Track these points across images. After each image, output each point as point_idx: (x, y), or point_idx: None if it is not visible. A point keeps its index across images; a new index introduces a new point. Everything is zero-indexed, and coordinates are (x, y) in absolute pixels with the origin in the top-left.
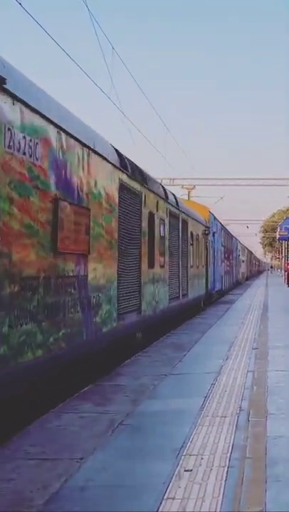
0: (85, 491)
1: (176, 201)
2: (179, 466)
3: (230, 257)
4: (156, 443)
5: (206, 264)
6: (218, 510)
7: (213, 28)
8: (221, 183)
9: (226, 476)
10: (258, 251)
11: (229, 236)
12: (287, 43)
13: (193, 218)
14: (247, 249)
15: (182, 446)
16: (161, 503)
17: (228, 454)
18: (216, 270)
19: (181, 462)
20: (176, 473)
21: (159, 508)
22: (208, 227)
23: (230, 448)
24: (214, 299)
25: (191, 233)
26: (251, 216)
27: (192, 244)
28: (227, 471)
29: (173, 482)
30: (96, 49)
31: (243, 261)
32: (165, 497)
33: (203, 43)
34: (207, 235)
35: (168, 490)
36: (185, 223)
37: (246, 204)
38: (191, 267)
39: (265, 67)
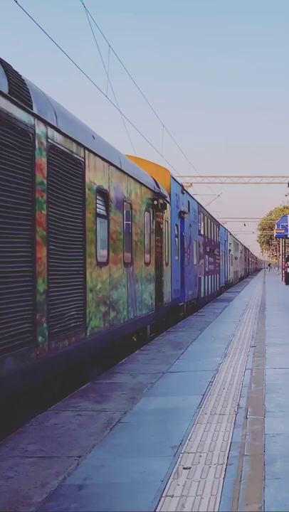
0: (83, 489)
1: (27, 94)
2: (177, 464)
3: (216, 252)
4: (154, 441)
5: (161, 261)
6: (217, 507)
7: (212, 26)
8: (218, 180)
9: (225, 474)
10: (256, 249)
11: (214, 224)
12: (285, 42)
13: (111, 164)
14: (241, 244)
15: (180, 443)
16: (159, 501)
17: (227, 452)
18: (186, 271)
19: (179, 460)
20: (174, 471)
21: (157, 506)
22: (164, 198)
23: (229, 446)
24: (182, 315)
25: (106, 195)
26: (249, 214)
27: (108, 219)
28: (225, 469)
29: (171, 480)
30: (93, 47)
31: (236, 258)
32: (163, 495)
33: (202, 41)
34: (160, 209)
35: (166, 488)
36: (75, 164)
37: (244, 202)
38: (104, 264)
39: (263, 66)
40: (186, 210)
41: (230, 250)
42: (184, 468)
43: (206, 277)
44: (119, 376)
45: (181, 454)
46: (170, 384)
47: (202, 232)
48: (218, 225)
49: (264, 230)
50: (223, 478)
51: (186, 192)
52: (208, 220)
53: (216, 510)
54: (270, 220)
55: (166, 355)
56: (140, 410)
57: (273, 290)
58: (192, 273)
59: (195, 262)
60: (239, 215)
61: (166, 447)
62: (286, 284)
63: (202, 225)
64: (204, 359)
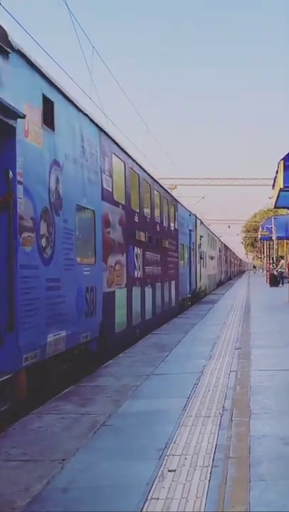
0: (67, 492)
1: None
2: (162, 467)
3: (168, 246)
4: (139, 444)
5: None
6: (202, 510)
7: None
8: (202, 182)
9: (210, 476)
10: (241, 251)
11: (162, 195)
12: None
13: None
14: (220, 241)
15: (165, 446)
16: (144, 504)
17: (212, 454)
18: (28, 281)
19: (164, 462)
20: (159, 473)
21: (142, 509)
22: None
23: (214, 448)
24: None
25: None
26: (233, 216)
27: None
28: (211, 471)
29: (156, 483)
30: (77, 49)
31: (212, 257)
32: (149, 497)
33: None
34: None
35: (151, 490)
36: None
37: (228, 204)
38: None
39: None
40: (39, 119)
41: (200, 245)
42: (169, 470)
43: (138, 290)
44: (103, 379)
45: (166, 457)
46: (155, 386)
47: (116, 197)
48: (175, 201)
49: (248, 232)
50: (209, 480)
51: (44, 76)
52: (140, 178)
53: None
54: (255, 222)
55: (151, 358)
56: (125, 413)
57: (258, 292)
58: (68, 285)
59: (81, 260)
60: (224, 217)
61: (151, 450)
62: (270, 286)
63: (115, 180)
64: (189, 361)
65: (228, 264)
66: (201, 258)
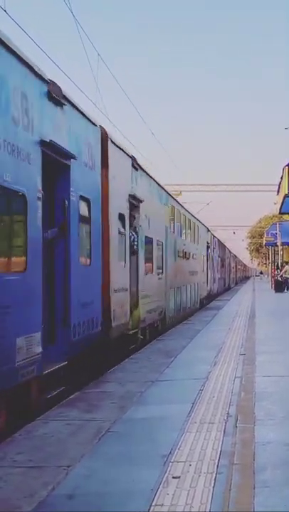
0: (72, 498)
1: None
2: (166, 473)
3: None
4: (143, 450)
5: None
6: None
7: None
8: (207, 189)
9: (214, 483)
10: (246, 256)
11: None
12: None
13: None
14: (209, 230)
15: (170, 452)
16: (149, 510)
17: (216, 461)
18: None
19: (169, 469)
20: (164, 480)
21: None
22: None
23: (218, 454)
24: None
25: None
26: (238, 222)
27: None
28: (215, 478)
29: (161, 489)
30: (82, 56)
31: (184, 254)
32: (153, 504)
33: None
34: None
35: (156, 497)
36: None
37: (233, 210)
38: None
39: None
40: None
41: (133, 220)
42: (173, 477)
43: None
44: (108, 385)
45: (170, 463)
46: (160, 392)
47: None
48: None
49: (254, 237)
50: (213, 486)
51: None
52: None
53: None
54: (260, 227)
55: (156, 364)
56: (129, 419)
57: (262, 298)
58: None
59: None
60: (229, 223)
61: (155, 456)
62: (275, 292)
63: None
64: (194, 367)
65: (227, 269)
66: (135, 251)
